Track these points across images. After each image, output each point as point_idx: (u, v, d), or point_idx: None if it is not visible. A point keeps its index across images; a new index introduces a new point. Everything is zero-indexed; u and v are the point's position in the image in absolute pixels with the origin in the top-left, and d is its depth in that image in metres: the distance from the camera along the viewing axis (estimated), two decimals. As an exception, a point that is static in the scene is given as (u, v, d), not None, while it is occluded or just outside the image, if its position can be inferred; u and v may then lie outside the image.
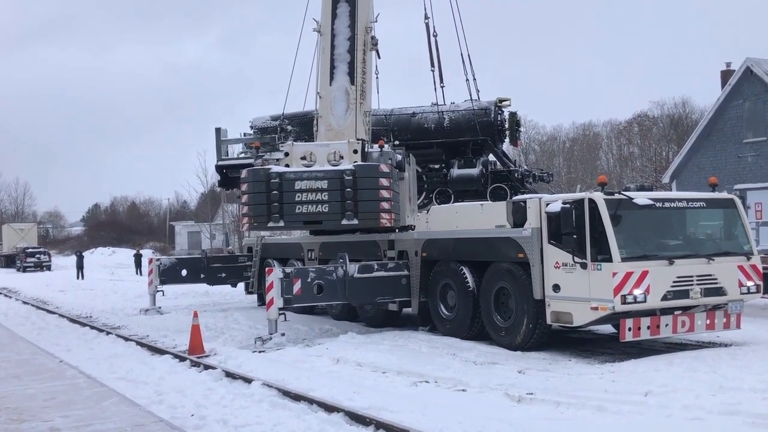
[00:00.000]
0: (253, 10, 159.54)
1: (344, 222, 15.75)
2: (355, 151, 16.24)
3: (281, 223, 16.12)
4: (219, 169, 23.07)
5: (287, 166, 16.29)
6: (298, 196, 15.75)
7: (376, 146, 16.43)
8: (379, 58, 19.27)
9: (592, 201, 12.45)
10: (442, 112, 21.68)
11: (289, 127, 22.47)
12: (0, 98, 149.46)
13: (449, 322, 15.60)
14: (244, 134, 23.78)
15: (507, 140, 22.77)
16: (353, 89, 17.64)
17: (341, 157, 16.15)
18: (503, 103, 22.01)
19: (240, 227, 18.28)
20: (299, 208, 15.78)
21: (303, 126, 22.11)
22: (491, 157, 22.12)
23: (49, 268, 60.18)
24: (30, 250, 62.23)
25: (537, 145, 70.51)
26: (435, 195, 21.64)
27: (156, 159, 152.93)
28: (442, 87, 21.09)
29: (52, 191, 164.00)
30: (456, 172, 21.29)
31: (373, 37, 18.58)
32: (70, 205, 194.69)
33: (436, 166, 22.22)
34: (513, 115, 22.27)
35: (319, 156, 16.31)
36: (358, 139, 16.74)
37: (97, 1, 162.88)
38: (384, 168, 15.73)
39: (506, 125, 22.16)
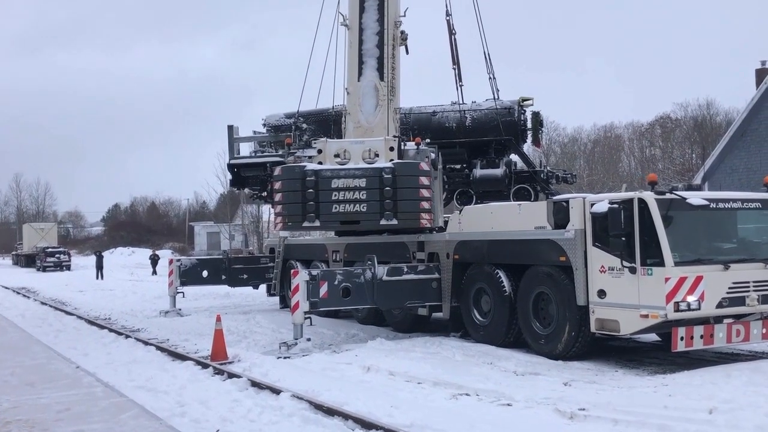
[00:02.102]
0: (266, 13, 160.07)
1: (383, 222, 15.18)
2: (392, 149, 15.62)
3: (317, 223, 15.54)
4: (231, 167, 22.35)
5: (320, 163, 15.68)
6: (335, 195, 15.18)
7: (411, 143, 15.76)
8: (407, 53, 18.57)
9: (642, 201, 11.64)
10: (464, 111, 21.03)
11: (305, 125, 21.89)
12: (20, 100, 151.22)
13: (483, 328, 14.82)
14: (254, 132, 23.09)
15: (529, 140, 22.13)
16: (383, 85, 17.00)
17: (376, 155, 15.54)
18: (526, 102, 21.45)
19: (274, 227, 17.67)
20: (336, 208, 15.20)
21: (318, 124, 21.62)
22: (513, 157, 21.51)
23: (68, 267, 59.99)
24: (50, 249, 62.10)
25: (558, 147, 69.47)
26: (456, 196, 20.97)
27: (175, 159, 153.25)
28: (460, 86, 20.42)
29: (73, 191, 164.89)
30: (479, 172, 20.66)
31: (402, 32, 17.94)
32: (90, 205, 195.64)
33: (457, 166, 21.58)
34: (536, 114, 21.62)
35: (353, 153, 15.69)
36: (394, 136, 16.07)
37: (111, 5, 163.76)
38: (424, 166, 15.14)
39: (528, 125, 21.54)
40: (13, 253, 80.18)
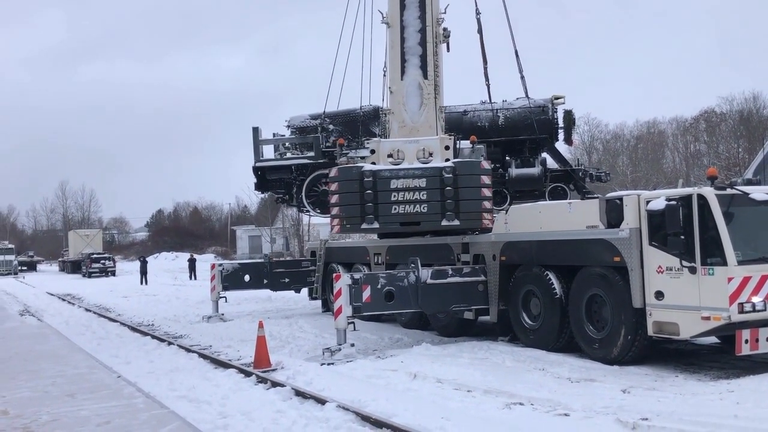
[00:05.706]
0: (293, 18, 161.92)
1: (444, 223, 14.93)
2: (447, 147, 15.32)
3: (376, 225, 15.27)
4: (256, 170, 21.93)
5: (373, 163, 15.38)
6: (394, 196, 14.91)
7: (466, 142, 15.41)
8: (448, 51, 18.11)
9: (701, 197, 11.06)
10: (497, 110, 20.64)
11: (331, 126, 21.57)
12: (65, 110, 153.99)
13: (533, 332, 14.30)
14: (274, 134, 22.66)
15: (561, 139, 21.72)
16: (427, 83, 16.59)
17: (430, 154, 15.22)
18: (558, 100, 21.18)
19: (330, 229, 17.41)
20: (395, 209, 14.93)
21: (345, 125, 21.32)
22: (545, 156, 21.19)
23: (113, 273, 60.49)
24: (95, 255, 62.61)
25: (600, 144, 68.20)
26: None
27: (216, 165, 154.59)
28: (487, 85, 19.98)
29: (118, 198, 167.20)
30: (515, 171, 20.35)
31: (445, 29, 17.49)
32: (134, 211, 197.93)
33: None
34: (568, 113, 21.33)
35: (407, 153, 15.43)
36: (449, 135, 15.71)
37: (140, 18, 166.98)
38: (485, 165, 14.86)
39: (561, 123, 21.14)
40: (60, 259, 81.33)
